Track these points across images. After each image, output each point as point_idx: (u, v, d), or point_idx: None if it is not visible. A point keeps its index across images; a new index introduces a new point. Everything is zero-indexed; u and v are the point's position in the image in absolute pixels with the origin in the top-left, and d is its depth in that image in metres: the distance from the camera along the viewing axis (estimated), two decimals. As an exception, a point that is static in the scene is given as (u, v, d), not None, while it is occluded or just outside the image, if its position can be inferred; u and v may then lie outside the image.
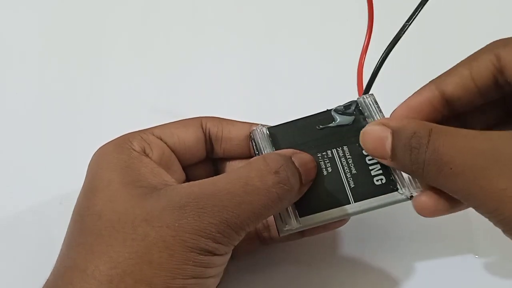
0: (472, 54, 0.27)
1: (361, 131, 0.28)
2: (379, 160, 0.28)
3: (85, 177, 0.28)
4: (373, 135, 0.27)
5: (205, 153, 0.31)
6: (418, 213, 0.27)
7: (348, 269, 0.33)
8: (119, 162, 0.27)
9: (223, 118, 0.31)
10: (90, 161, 0.28)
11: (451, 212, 0.27)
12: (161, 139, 0.29)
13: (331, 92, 0.41)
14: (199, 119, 0.31)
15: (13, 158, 0.40)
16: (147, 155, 0.28)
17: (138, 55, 0.47)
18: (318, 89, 0.44)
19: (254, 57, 0.46)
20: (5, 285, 0.33)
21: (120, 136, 0.29)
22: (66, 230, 0.34)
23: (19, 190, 0.38)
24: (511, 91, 0.26)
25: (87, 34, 0.49)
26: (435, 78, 0.27)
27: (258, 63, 0.46)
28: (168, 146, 0.29)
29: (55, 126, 0.42)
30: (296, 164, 0.28)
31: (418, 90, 0.28)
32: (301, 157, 0.28)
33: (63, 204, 0.36)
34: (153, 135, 0.29)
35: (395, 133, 0.25)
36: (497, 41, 0.26)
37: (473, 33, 0.46)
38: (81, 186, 0.28)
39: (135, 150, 0.27)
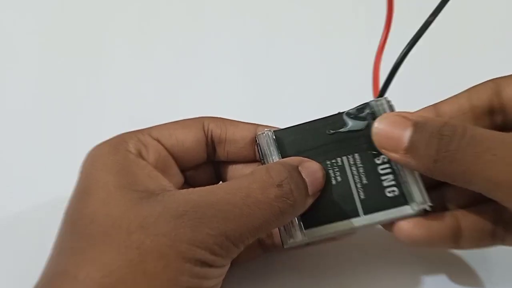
0: (474, 87, 0.27)
1: (377, 119, 0.26)
2: (388, 153, 0.26)
3: (78, 178, 0.27)
4: (391, 123, 0.25)
5: (206, 155, 0.30)
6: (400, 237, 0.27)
7: (352, 281, 0.31)
8: (115, 164, 0.25)
9: (226, 119, 0.30)
10: (84, 161, 0.27)
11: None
12: (158, 141, 0.28)
13: (343, 93, 0.40)
14: (201, 119, 0.29)
15: (13, 158, 0.40)
16: (143, 158, 0.27)
17: (138, 54, 0.46)
18: (329, 89, 0.42)
19: (259, 54, 0.45)
20: (5, 286, 0.33)
21: (116, 136, 0.28)
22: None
23: (20, 191, 0.37)
24: (501, 125, 0.27)
25: (87, 34, 0.48)
26: (436, 103, 0.27)
27: (264, 61, 0.45)
28: (166, 148, 0.28)
29: (55, 127, 0.42)
30: (303, 175, 0.26)
31: (418, 111, 0.28)
32: (308, 166, 0.27)
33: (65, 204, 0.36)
34: (150, 136, 0.28)
35: (418, 125, 0.24)
36: (498, 78, 0.26)
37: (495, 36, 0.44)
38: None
39: (131, 152, 0.26)
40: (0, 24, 0.48)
